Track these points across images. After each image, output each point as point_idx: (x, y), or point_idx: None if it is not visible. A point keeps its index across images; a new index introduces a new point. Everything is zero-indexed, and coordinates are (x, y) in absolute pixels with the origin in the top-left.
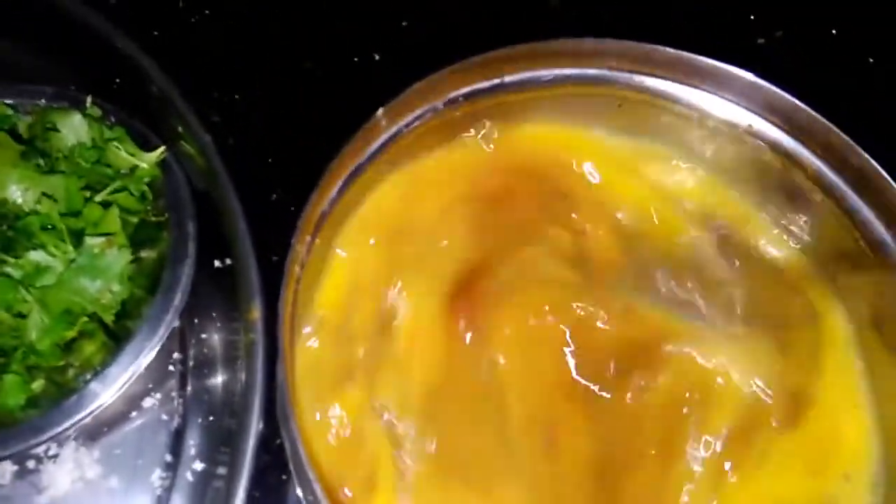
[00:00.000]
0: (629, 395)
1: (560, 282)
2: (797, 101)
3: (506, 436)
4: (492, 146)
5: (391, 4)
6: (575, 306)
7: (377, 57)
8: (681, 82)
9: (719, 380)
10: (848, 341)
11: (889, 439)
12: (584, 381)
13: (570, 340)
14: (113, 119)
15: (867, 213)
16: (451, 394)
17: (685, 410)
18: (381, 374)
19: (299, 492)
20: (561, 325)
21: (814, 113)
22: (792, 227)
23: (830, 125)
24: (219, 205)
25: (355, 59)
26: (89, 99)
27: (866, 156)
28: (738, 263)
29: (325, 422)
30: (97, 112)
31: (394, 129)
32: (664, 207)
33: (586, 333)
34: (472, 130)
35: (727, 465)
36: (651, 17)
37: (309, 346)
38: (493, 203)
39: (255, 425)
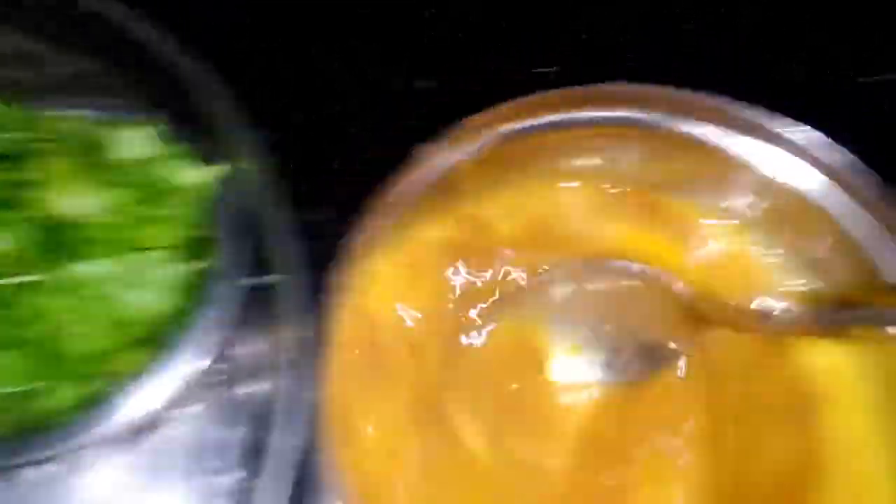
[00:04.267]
0: None
1: None
2: (843, 150)
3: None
4: None
5: (452, 33)
6: None
7: (434, 84)
8: (720, 128)
9: None
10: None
11: None
12: None
13: None
14: (171, 135)
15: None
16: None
17: None
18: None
19: None
20: None
21: (867, 168)
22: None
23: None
24: (266, 223)
25: (414, 85)
26: (150, 115)
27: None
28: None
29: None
30: (157, 128)
31: (438, 162)
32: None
33: None
34: None
35: None
36: (692, 55)
37: (348, 363)
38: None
39: (294, 441)
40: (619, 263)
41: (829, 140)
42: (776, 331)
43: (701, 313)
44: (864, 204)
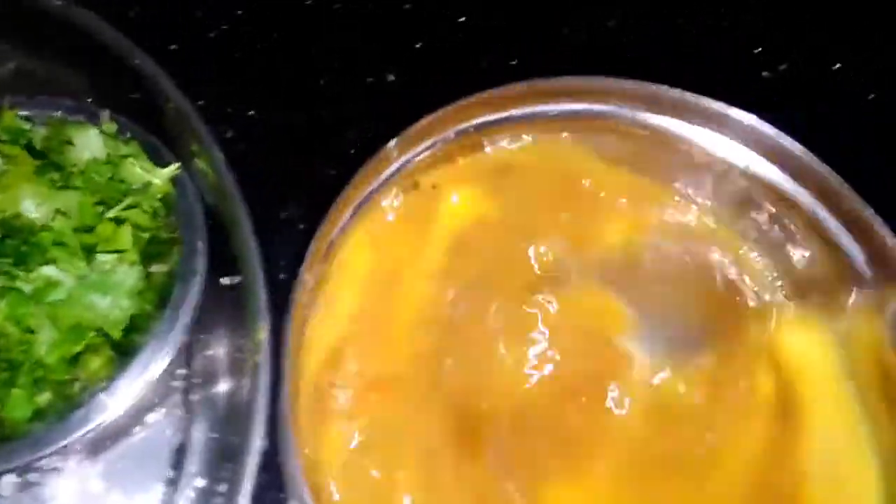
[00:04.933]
0: None
1: None
2: (793, 142)
3: None
4: None
5: (406, 27)
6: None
7: (391, 78)
8: (682, 120)
9: None
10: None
11: None
12: None
13: None
14: (128, 134)
15: (857, 255)
16: None
17: None
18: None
19: None
20: None
21: (810, 155)
22: (783, 265)
23: (825, 167)
24: (229, 222)
25: (369, 80)
26: (105, 113)
27: (859, 198)
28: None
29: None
30: (113, 127)
31: (403, 158)
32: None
33: None
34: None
35: None
36: (661, 47)
37: (312, 366)
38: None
39: (258, 444)
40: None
41: (776, 130)
42: None
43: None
44: (817, 191)
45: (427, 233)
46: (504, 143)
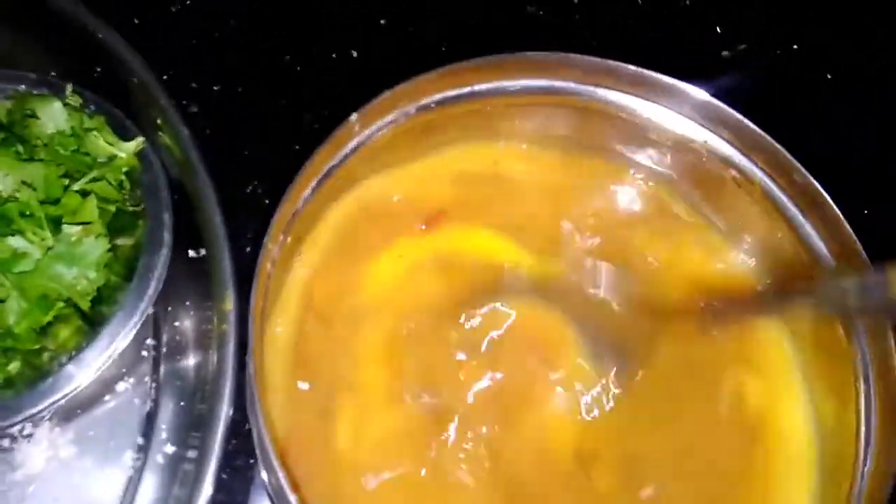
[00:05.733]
0: None
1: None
2: (746, 120)
3: None
4: None
5: (371, 3)
6: None
7: (354, 54)
8: (641, 97)
9: None
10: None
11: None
12: None
13: None
14: (92, 107)
15: (808, 227)
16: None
17: None
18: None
19: (264, 475)
20: None
21: (761, 132)
22: (739, 239)
23: (776, 144)
24: (194, 195)
25: (333, 56)
26: (69, 87)
27: (806, 173)
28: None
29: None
30: (77, 100)
31: (366, 132)
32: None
33: None
34: None
35: None
36: (622, 26)
37: (277, 335)
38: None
39: (226, 411)
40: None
41: (732, 107)
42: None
43: (658, 312)
44: (771, 168)
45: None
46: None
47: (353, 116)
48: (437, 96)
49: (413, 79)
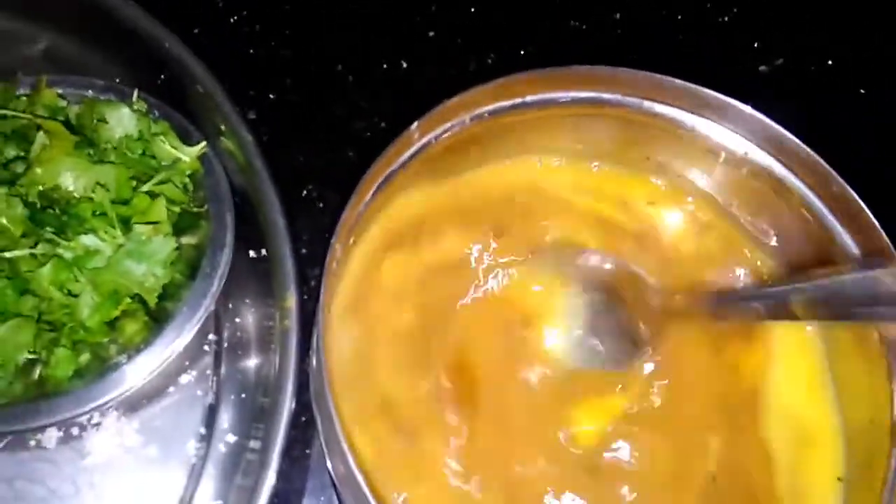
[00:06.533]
0: None
1: None
2: (787, 133)
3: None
4: None
5: (420, 16)
6: None
7: (404, 65)
8: (685, 110)
9: None
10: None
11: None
12: None
13: None
14: (157, 113)
15: (846, 237)
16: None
17: None
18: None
19: (329, 464)
20: None
21: (801, 143)
22: (775, 244)
23: (815, 156)
24: (255, 198)
25: (384, 66)
26: (136, 93)
27: (844, 184)
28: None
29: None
30: (143, 106)
31: (424, 140)
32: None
33: None
34: None
35: None
36: (661, 40)
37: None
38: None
39: (289, 403)
40: (596, 257)
41: (771, 120)
42: (734, 318)
43: (668, 306)
44: (808, 179)
45: None
46: None
47: (414, 125)
48: (490, 107)
49: (469, 90)
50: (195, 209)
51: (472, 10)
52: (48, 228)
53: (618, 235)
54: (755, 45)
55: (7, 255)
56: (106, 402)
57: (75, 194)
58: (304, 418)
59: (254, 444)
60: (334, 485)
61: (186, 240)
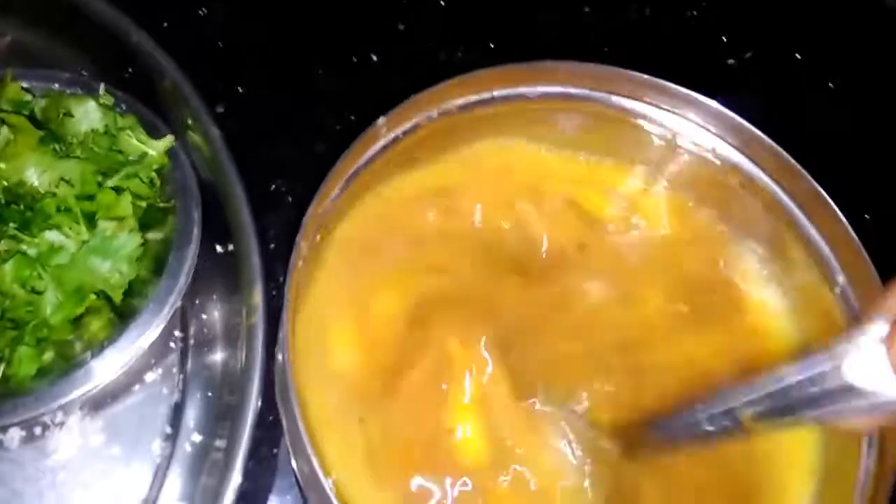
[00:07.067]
0: None
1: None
2: (754, 128)
3: None
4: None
5: (390, 9)
6: None
7: (374, 58)
8: (653, 105)
9: None
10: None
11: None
12: None
13: None
14: (124, 107)
15: (813, 232)
16: None
17: None
18: None
19: (294, 463)
20: None
21: (767, 139)
22: (745, 243)
23: (782, 151)
24: (223, 193)
25: (354, 59)
26: (102, 86)
27: (811, 179)
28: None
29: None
30: (109, 100)
31: (391, 135)
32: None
33: None
34: None
35: None
36: (631, 35)
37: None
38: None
39: (255, 402)
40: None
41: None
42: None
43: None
44: (775, 173)
45: None
46: None
47: (381, 120)
48: (460, 101)
49: (438, 84)
50: (162, 204)
51: (442, 3)
52: (11, 224)
53: (587, 222)
54: (723, 38)
55: None
56: (70, 401)
57: (40, 189)
58: (271, 417)
59: (220, 443)
60: (300, 485)
61: (153, 235)
